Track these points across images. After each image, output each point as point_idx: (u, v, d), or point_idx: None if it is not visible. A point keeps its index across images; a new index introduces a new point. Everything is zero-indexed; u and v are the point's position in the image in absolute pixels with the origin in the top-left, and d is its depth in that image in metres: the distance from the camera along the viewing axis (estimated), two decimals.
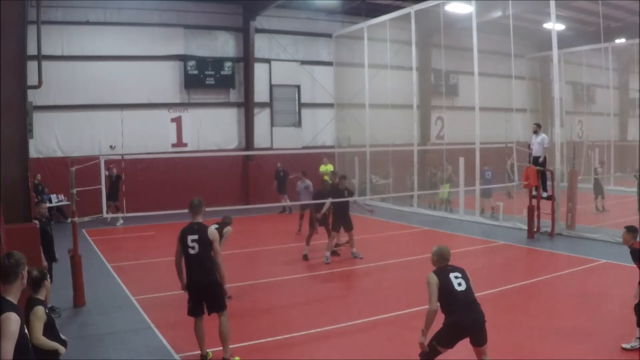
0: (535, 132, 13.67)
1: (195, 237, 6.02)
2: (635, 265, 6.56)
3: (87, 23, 17.59)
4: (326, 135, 21.96)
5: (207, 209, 12.61)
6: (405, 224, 15.69)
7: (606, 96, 21.70)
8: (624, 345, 6.30)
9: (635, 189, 16.94)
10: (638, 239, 6.68)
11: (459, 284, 5.07)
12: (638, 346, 6.24)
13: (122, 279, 9.99)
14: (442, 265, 5.21)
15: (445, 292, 5.02)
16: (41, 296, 4.19)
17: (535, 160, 13.52)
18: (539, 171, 13.38)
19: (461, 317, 4.98)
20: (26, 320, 3.80)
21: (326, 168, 19.65)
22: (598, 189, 17.03)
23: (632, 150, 20.14)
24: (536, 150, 13.57)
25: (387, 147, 19.66)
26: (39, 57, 14.79)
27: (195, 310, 6.15)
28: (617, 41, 21.26)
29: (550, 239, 13.06)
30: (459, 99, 22.88)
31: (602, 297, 8.67)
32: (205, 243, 6.00)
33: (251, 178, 19.96)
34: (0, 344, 3.27)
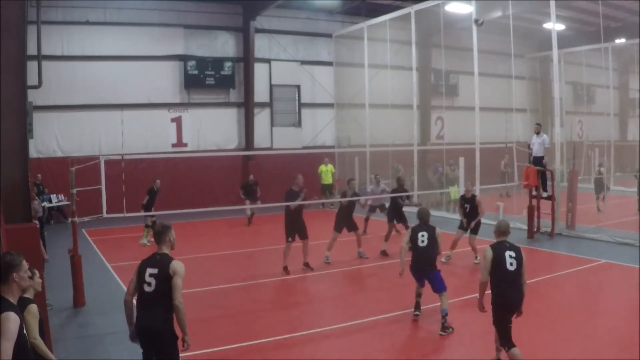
0: (537, 133, 13.67)
1: (155, 270, 4.67)
2: (634, 266, 6.55)
3: (87, 23, 17.59)
4: (326, 135, 21.96)
5: (207, 209, 12.63)
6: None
7: (606, 96, 21.68)
8: None
9: (635, 189, 16.95)
10: None
11: (511, 264, 5.46)
12: None
13: (122, 279, 9.98)
14: (501, 240, 5.62)
15: (497, 268, 5.43)
16: (30, 295, 4.17)
17: (536, 160, 13.51)
18: (539, 171, 13.38)
19: (507, 295, 5.47)
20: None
21: (326, 168, 19.68)
22: (600, 188, 17.02)
23: (632, 150, 20.13)
24: (537, 150, 13.57)
25: (387, 147, 19.66)
26: (39, 57, 14.79)
27: (145, 356, 4.77)
28: (617, 41, 21.25)
29: (550, 239, 13.05)
30: (459, 99, 22.87)
31: (602, 297, 8.67)
32: (165, 280, 4.61)
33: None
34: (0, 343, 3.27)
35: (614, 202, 17.39)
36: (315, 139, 21.66)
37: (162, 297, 4.59)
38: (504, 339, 5.46)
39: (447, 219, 16.59)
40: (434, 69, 22.09)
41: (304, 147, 20.90)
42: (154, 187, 13.72)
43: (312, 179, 19.49)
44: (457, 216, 16.74)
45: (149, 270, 4.70)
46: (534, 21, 20.92)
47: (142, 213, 13.89)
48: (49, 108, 16.97)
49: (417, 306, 7.49)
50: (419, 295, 7.47)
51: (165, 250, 4.86)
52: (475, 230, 10.96)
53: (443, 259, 10.70)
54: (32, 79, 13.44)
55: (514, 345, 5.39)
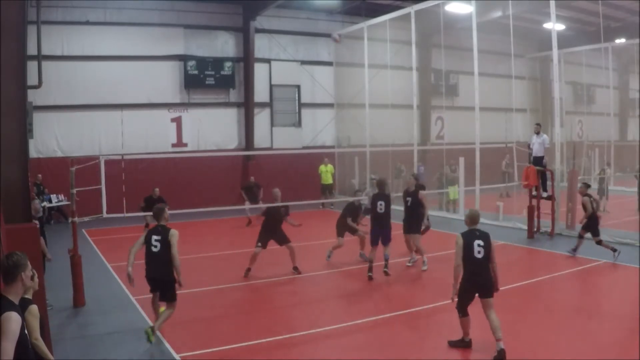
0: (537, 133, 13.67)
1: (159, 237, 6.77)
2: (634, 266, 6.63)
3: (87, 23, 17.59)
4: (326, 135, 21.96)
5: (207, 209, 12.62)
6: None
7: (606, 96, 21.69)
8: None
9: (635, 189, 16.95)
10: None
11: (479, 252, 6.08)
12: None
13: (122, 279, 9.98)
14: (472, 228, 6.23)
15: (466, 255, 6.07)
16: (29, 296, 4.18)
17: (536, 160, 13.51)
18: (539, 171, 13.38)
19: (475, 280, 6.13)
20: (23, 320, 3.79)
21: (326, 168, 19.68)
22: (602, 190, 17.01)
23: (632, 150, 20.14)
24: (537, 150, 13.57)
25: (387, 147, 19.66)
26: (39, 57, 14.80)
27: (154, 290, 7.04)
28: (617, 41, 21.26)
29: (550, 239, 13.05)
30: (459, 99, 22.89)
31: (602, 297, 8.67)
32: (166, 243, 6.70)
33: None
34: (1, 343, 3.27)
35: (614, 202, 17.39)
36: (315, 139, 21.66)
37: (164, 255, 6.66)
38: (461, 307, 6.25)
39: (447, 218, 16.60)
40: (434, 69, 22.11)
41: (304, 147, 20.90)
42: (153, 195, 13.81)
43: (312, 179, 19.53)
44: (458, 216, 16.82)
45: (154, 237, 6.79)
46: (534, 21, 20.93)
47: (142, 213, 13.95)
48: (49, 108, 16.98)
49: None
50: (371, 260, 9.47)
51: (163, 223, 6.88)
52: (416, 229, 10.34)
53: (408, 263, 10.61)
54: (32, 79, 13.45)
55: (467, 315, 6.27)
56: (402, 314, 7.75)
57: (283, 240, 10.20)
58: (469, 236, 6.15)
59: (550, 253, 11.71)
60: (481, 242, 6.11)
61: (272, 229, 10.10)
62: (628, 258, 10.41)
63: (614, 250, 10.49)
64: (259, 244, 9.99)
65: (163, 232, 6.76)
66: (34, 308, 4.01)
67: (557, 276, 9.82)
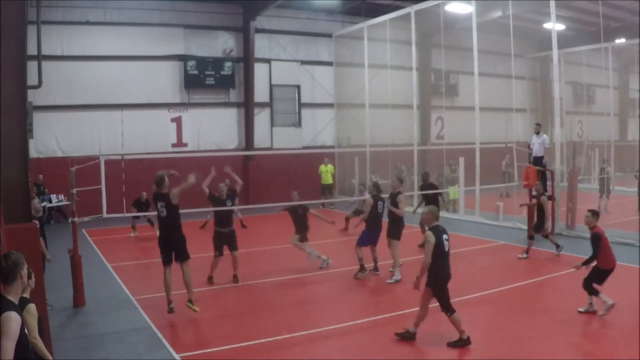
0: (537, 133, 13.67)
1: (163, 203, 7.53)
2: (634, 266, 6.66)
3: (87, 23, 17.59)
4: (326, 135, 21.96)
5: (207, 209, 12.62)
6: (406, 224, 15.61)
7: (606, 96, 21.69)
8: (580, 309, 7.45)
9: (635, 189, 16.94)
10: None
11: (446, 246, 6.36)
12: (591, 310, 7.38)
13: (122, 279, 9.99)
14: (435, 225, 6.41)
15: (439, 251, 6.26)
16: (27, 295, 4.18)
17: (537, 160, 13.51)
18: (539, 171, 13.38)
19: (446, 273, 6.40)
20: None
21: (326, 168, 19.68)
22: (603, 188, 17.01)
23: (632, 150, 20.14)
24: (537, 150, 13.57)
25: (387, 147, 19.66)
26: (39, 57, 14.80)
27: (166, 260, 7.64)
28: (617, 41, 21.26)
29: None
30: (459, 99, 22.89)
31: None
32: (170, 206, 7.50)
33: (251, 178, 19.93)
34: (1, 343, 3.27)
35: (614, 202, 17.39)
36: (315, 139, 21.65)
37: (172, 218, 7.56)
38: (447, 307, 6.42)
39: (447, 219, 16.60)
40: (434, 69, 22.10)
41: (304, 147, 20.89)
42: (140, 198, 13.90)
43: (312, 179, 19.52)
44: (458, 216, 16.84)
45: (159, 204, 7.59)
46: (534, 21, 20.93)
47: (142, 213, 13.97)
48: (49, 108, 16.97)
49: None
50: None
51: (165, 190, 7.61)
52: (396, 234, 9.77)
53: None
54: (32, 79, 13.45)
55: (454, 311, 6.43)
56: (402, 314, 7.74)
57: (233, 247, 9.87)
58: (438, 232, 6.33)
59: (550, 253, 11.69)
60: (446, 236, 6.39)
61: (223, 240, 9.79)
62: (628, 258, 10.41)
63: (558, 246, 11.14)
64: (217, 254, 9.75)
65: (163, 198, 7.53)
66: (32, 307, 4.01)
67: (557, 276, 9.82)
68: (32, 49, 13.26)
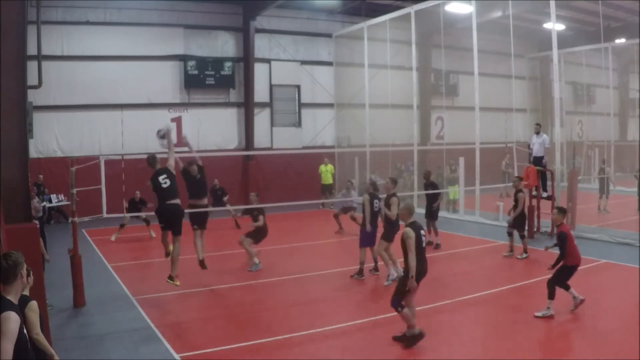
0: (537, 133, 13.67)
1: (165, 175, 8.32)
2: (634, 266, 6.64)
3: (87, 23, 17.58)
4: (326, 135, 21.95)
5: (207, 209, 12.59)
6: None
7: (606, 96, 21.69)
8: (537, 314, 7.33)
9: (635, 189, 16.95)
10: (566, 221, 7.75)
11: (424, 241, 6.50)
12: (549, 314, 7.25)
13: (122, 279, 9.99)
14: (412, 221, 6.50)
15: (417, 246, 6.35)
16: (26, 292, 4.18)
17: (537, 160, 13.51)
18: (539, 171, 13.38)
19: (424, 267, 6.49)
20: (23, 317, 3.81)
21: (326, 168, 19.68)
22: (603, 188, 17.01)
23: (632, 150, 20.13)
24: (537, 150, 13.57)
25: (387, 147, 19.66)
26: (39, 57, 14.79)
27: (165, 227, 8.36)
28: (617, 41, 21.25)
29: (550, 239, 13.01)
30: (459, 99, 22.88)
31: (602, 297, 8.66)
32: (172, 178, 8.35)
33: (251, 178, 19.95)
34: (0, 343, 3.27)
35: (614, 202, 17.39)
36: (315, 139, 21.65)
37: (173, 189, 8.28)
38: (399, 302, 6.43)
39: (447, 219, 16.62)
40: (434, 69, 22.10)
41: (304, 147, 20.88)
42: (134, 198, 13.96)
43: (312, 179, 19.52)
44: (458, 216, 16.85)
45: (162, 176, 8.35)
46: (534, 21, 20.93)
47: (142, 213, 13.99)
48: (49, 108, 16.97)
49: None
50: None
51: (159, 166, 8.47)
52: (390, 237, 9.48)
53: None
54: (32, 79, 13.45)
55: (405, 307, 6.47)
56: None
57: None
58: (416, 228, 6.41)
59: (551, 253, 11.67)
60: (423, 232, 6.52)
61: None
62: (628, 258, 10.42)
63: (526, 252, 11.05)
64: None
65: (164, 171, 8.36)
66: (33, 304, 4.02)
67: None
68: (32, 49, 13.25)
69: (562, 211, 7.73)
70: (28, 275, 4.16)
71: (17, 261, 3.59)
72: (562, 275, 7.39)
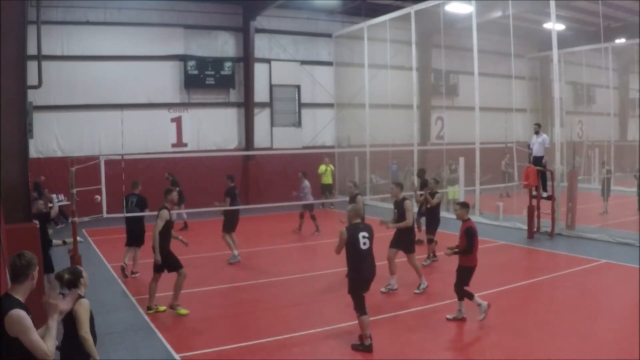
0: (537, 133, 13.68)
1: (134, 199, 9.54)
2: (634, 266, 6.64)
3: (87, 23, 17.58)
4: (326, 135, 21.96)
5: (207, 209, 12.62)
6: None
7: (606, 96, 21.69)
8: (448, 316, 7.38)
9: (635, 189, 16.95)
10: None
11: (364, 243, 6.26)
12: (460, 317, 7.29)
13: (122, 278, 9.99)
14: (356, 222, 6.39)
15: (352, 248, 6.24)
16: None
17: (536, 160, 13.51)
18: (539, 171, 13.39)
19: (364, 272, 6.34)
20: (70, 315, 3.94)
21: (326, 168, 19.68)
22: (603, 190, 16.99)
23: (632, 150, 20.14)
24: (537, 150, 13.57)
25: (387, 147, 19.66)
26: (39, 57, 14.78)
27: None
28: (617, 41, 21.25)
29: (550, 239, 13.05)
30: (459, 99, 22.88)
31: (602, 297, 8.67)
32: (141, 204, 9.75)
33: (251, 178, 19.96)
34: (29, 338, 3.31)
35: (614, 202, 17.39)
36: (315, 139, 21.66)
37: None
38: (359, 307, 6.33)
39: (447, 218, 16.60)
40: (434, 69, 22.10)
41: (304, 147, 20.89)
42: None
43: (312, 179, 19.51)
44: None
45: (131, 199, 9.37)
46: (534, 21, 20.92)
47: (141, 213, 13.93)
48: (49, 108, 16.97)
49: None
50: None
51: (137, 192, 9.24)
52: (404, 245, 8.91)
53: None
54: (32, 79, 13.44)
55: (366, 313, 6.34)
56: (401, 314, 7.76)
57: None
58: (354, 229, 6.31)
59: (550, 253, 11.72)
60: (366, 234, 6.30)
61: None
62: (628, 258, 10.42)
63: (432, 256, 10.81)
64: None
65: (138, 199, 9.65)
66: (85, 301, 4.03)
67: (557, 276, 9.83)
68: (32, 49, 13.23)
69: (466, 206, 7.45)
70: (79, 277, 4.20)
71: (31, 262, 3.59)
72: (463, 276, 7.26)
